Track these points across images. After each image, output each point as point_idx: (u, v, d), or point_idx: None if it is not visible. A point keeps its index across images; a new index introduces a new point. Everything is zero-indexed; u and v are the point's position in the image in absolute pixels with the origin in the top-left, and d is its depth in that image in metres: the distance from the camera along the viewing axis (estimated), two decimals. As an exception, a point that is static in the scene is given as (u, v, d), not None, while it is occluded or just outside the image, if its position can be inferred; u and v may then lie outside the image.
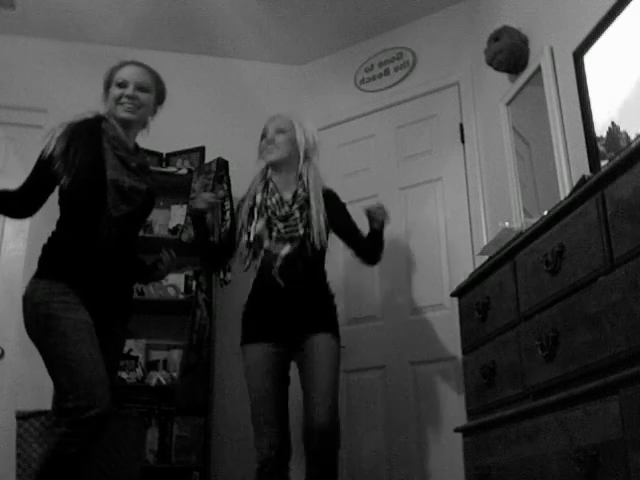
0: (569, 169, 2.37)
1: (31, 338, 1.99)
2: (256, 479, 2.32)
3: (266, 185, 2.55)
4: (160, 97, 2.29)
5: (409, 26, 3.69)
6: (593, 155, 2.12)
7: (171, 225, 3.47)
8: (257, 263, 2.46)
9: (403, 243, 3.39)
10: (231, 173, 3.46)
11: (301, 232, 2.43)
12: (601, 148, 2.08)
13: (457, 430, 2.20)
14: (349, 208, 2.69)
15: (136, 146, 2.26)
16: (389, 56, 3.72)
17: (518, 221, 2.50)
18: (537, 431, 1.66)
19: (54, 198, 2.12)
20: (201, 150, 3.64)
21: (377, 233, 2.54)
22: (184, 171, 3.50)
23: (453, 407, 2.93)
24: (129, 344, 3.16)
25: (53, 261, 2.04)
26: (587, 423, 1.44)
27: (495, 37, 2.79)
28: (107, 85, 2.23)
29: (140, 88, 2.19)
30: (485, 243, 2.82)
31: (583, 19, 2.25)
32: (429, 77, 3.56)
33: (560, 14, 2.49)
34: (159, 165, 3.55)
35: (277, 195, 2.51)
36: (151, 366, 3.28)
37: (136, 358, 3.21)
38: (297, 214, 2.46)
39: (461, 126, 3.39)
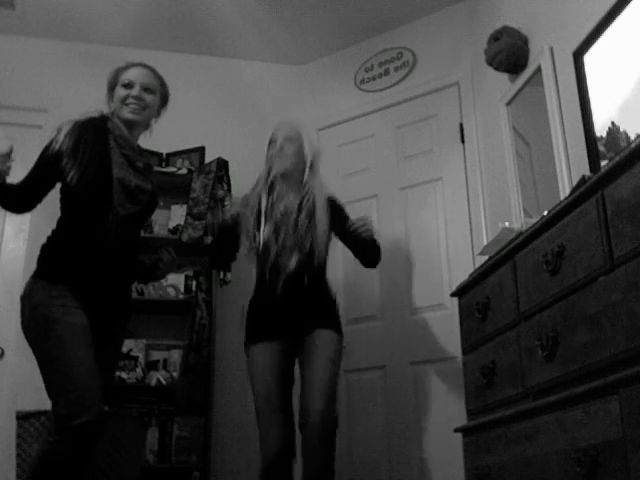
0: (569, 169, 2.37)
1: (27, 338, 1.98)
2: (260, 476, 2.32)
3: (270, 189, 2.56)
4: (164, 100, 2.29)
5: (409, 26, 3.69)
6: (593, 155, 2.12)
7: (171, 225, 3.47)
8: (265, 269, 2.47)
9: (403, 243, 3.39)
10: (231, 173, 3.46)
11: (307, 243, 2.46)
12: (601, 148, 2.08)
13: (457, 430, 2.20)
14: (349, 208, 2.71)
15: (139, 147, 2.26)
16: (389, 56, 3.72)
17: (518, 221, 2.50)
18: (537, 431, 1.66)
19: (54, 198, 2.12)
20: (201, 150, 3.65)
21: (369, 242, 2.54)
22: (184, 171, 3.50)
23: (453, 407, 2.93)
24: (129, 344, 3.16)
25: (53, 262, 2.03)
26: (587, 423, 1.44)
27: (495, 37, 2.79)
28: (112, 85, 2.22)
29: (146, 89, 2.19)
30: (485, 243, 2.82)
31: (583, 19, 2.25)
32: (429, 77, 3.56)
33: (560, 14, 2.49)
34: (159, 165, 3.55)
35: (284, 202, 2.52)
36: (151, 366, 3.28)
37: (136, 358, 3.21)
38: (303, 222, 2.48)
39: (461, 126, 3.39)
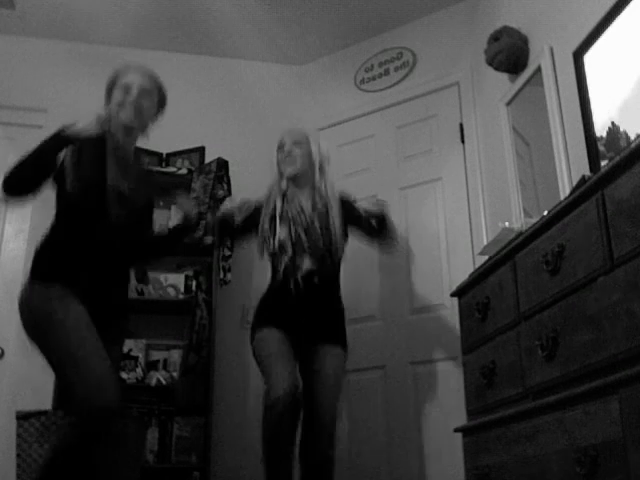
0: (569, 169, 2.37)
1: (33, 342, 1.97)
2: (265, 419, 2.27)
3: (284, 195, 2.61)
4: (162, 103, 2.29)
5: (409, 26, 3.69)
6: (593, 155, 2.12)
7: (171, 225, 3.47)
8: (279, 269, 2.51)
9: (403, 243, 3.39)
10: (231, 173, 3.46)
11: (321, 243, 2.50)
12: (601, 148, 2.08)
13: (457, 430, 2.20)
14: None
15: (135, 151, 2.26)
16: (389, 56, 3.72)
17: (518, 221, 2.50)
18: (537, 431, 1.65)
19: (54, 198, 2.12)
20: (201, 150, 3.65)
21: (382, 219, 2.57)
22: (184, 171, 3.50)
23: (453, 407, 2.92)
24: (129, 344, 3.16)
25: (48, 262, 2.03)
26: (587, 423, 1.44)
27: (495, 37, 2.79)
28: (110, 88, 2.21)
29: (143, 95, 2.18)
30: (485, 243, 2.82)
31: (583, 19, 2.25)
32: (429, 77, 3.56)
33: (560, 14, 2.49)
34: (159, 165, 3.55)
35: (297, 204, 2.57)
36: (151, 366, 3.28)
37: (136, 358, 3.21)
38: (317, 224, 2.53)
39: (461, 126, 3.39)
